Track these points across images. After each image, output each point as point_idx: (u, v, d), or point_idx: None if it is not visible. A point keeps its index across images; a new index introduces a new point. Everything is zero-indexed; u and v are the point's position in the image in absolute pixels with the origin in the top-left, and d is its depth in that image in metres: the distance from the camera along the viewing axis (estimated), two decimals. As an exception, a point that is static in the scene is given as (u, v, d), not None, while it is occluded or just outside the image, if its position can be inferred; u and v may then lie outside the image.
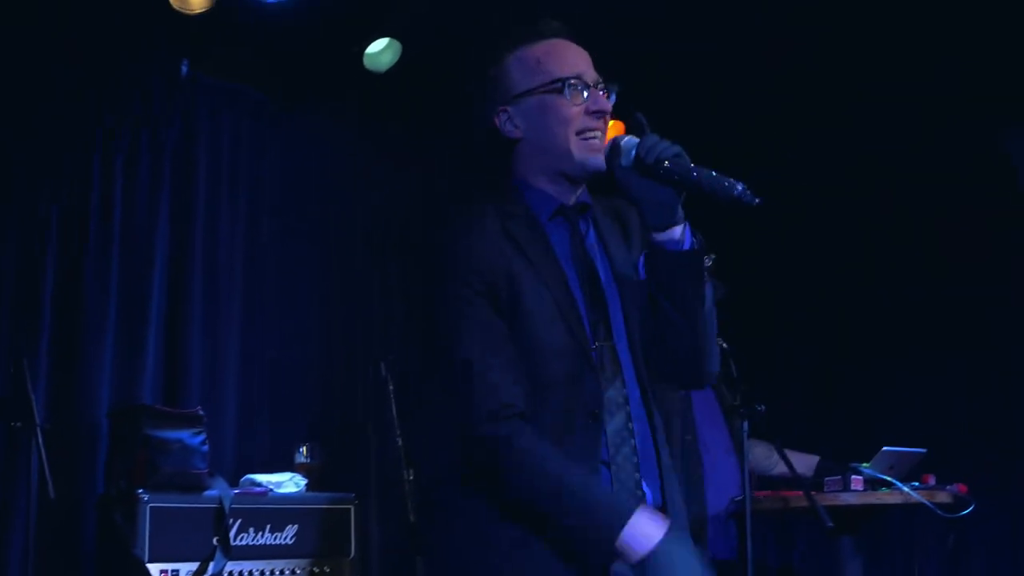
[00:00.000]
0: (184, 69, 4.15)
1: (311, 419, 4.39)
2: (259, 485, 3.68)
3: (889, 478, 3.67)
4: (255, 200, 4.40)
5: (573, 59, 2.02)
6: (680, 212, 1.91)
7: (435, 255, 1.96)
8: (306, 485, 3.79)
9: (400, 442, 3.95)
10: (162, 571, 3.27)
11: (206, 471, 3.49)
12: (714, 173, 1.83)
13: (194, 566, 3.34)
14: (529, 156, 2.02)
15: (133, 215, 3.99)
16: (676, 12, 4.34)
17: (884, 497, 3.65)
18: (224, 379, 4.15)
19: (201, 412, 3.58)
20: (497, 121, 2.02)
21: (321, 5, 4.18)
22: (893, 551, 4.96)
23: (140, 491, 3.29)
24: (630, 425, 1.94)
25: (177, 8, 3.90)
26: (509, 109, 2.01)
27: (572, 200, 2.02)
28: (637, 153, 1.87)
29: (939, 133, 5.09)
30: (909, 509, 3.75)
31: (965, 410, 4.94)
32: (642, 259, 1.99)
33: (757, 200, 1.80)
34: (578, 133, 1.97)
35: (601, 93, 2.00)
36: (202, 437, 3.51)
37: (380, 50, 4.48)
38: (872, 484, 3.68)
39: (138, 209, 4.00)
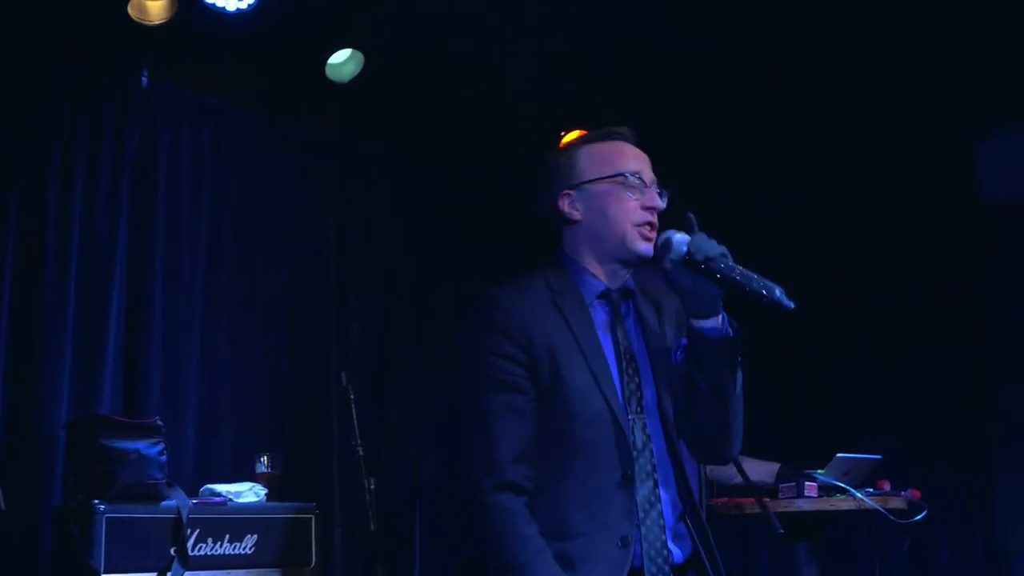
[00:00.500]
0: (144, 79, 4.15)
1: (271, 429, 4.40)
2: (218, 495, 3.67)
3: (844, 484, 3.71)
4: (216, 211, 4.39)
5: (636, 160, 2.26)
6: (720, 304, 2.11)
7: (486, 311, 2.18)
8: (266, 495, 3.79)
9: (361, 452, 3.96)
10: (119, 582, 3.26)
11: (164, 481, 3.48)
12: (755, 276, 2.04)
13: (151, 576, 3.33)
14: (585, 239, 2.25)
15: (92, 225, 3.97)
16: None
17: (838, 503, 3.69)
18: (184, 389, 4.14)
19: (159, 422, 3.57)
20: (560, 203, 2.25)
21: (283, 15, 4.17)
22: (849, 557, 5.00)
23: (96, 502, 3.28)
24: (657, 491, 2.12)
25: (136, 19, 3.91)
26: (573, 193, 2.24)
27: (617, 284, 2.24)
28: (688, 250, 2.07)
29: (900, 139, 5.15)
30: (864, 515, 3.80)
31: (919, 417, 5.00)
32: (679, 343, 2.20)
33: (792, 304, 2.01)
34: (634, 224, 2.20)
35: (656, 192, 2.24)
36: (160, 447, 3.50)
37: (342, 61, 4.50)
38: (827, 491, 3.72)
39: (98, 219, 3.99)
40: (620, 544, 2.06)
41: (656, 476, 2.12)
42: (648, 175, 2.25)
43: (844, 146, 5.12)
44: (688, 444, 2.19)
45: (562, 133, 5.22)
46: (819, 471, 3.76)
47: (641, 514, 2.09)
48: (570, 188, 2.24)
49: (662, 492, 2.13)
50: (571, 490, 2.08)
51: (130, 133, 4.14)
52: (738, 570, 5.35)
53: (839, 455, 3.78)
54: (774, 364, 5.34)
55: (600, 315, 2.22)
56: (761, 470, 3.85)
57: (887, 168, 5.16)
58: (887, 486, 3.84)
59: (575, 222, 2.24)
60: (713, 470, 3.90)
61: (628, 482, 2.09)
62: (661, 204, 2.23)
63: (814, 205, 5.29)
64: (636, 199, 2.21)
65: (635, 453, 2.11)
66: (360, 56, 4.50)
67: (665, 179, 2.29)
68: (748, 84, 4.78)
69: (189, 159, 4.31)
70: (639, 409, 2.15)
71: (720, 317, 2.11)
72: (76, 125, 3.98)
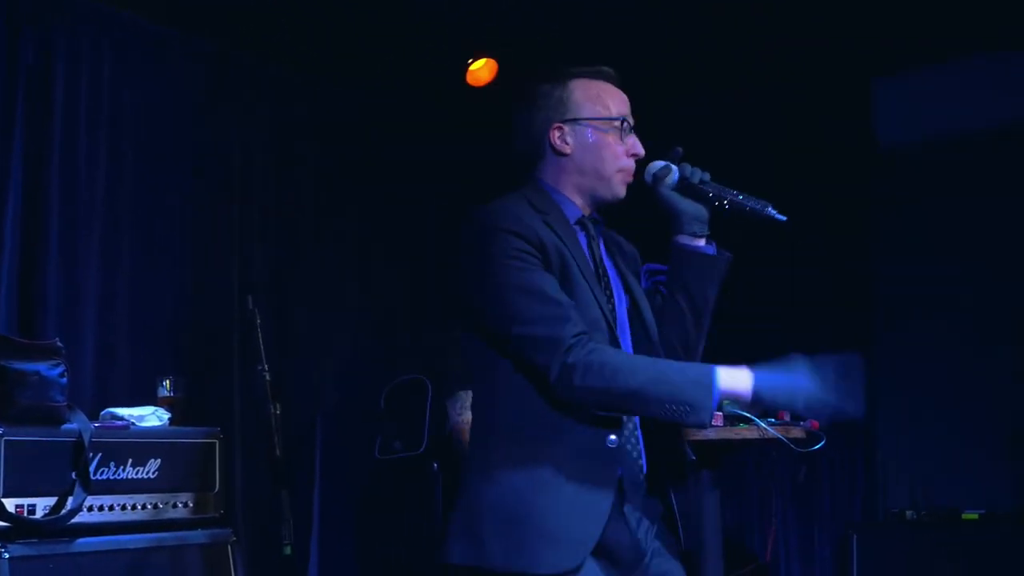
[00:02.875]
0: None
1: (173, 353, 4.30)
2: (120, 419, 3.59)
3: (747, 415, 3.81)
4: (116, 127, 4.23)
5: (624, 104, 2.36)
6: (707, 223, 2.33)
7: (487, 221, 2.17)
8: (169, 419, 3.71)
9: (267, 376, 3.90)
10: (17, 506, 3.16)
11: (65, 404, 3.37)
12: (745, 195, 2.30)
13: (52, 501, 3.24)
14: (570, 171, 2.33)
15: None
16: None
17: (743, 432, 3.79)
18: (83, 311, 4.01)
19: (59, 344, 3.45)
20: (551, 134, 2.31)
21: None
22: (748, 484, 5.18)
23: (-6, 424, 3.16)
24: None
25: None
26: (565, 128, 2.31)
27: (588, 213, 2.35)
28: (682, 175, 2.32)
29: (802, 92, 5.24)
30: (764, 444, 3.92)
31: (814, 351, 5.15)
32: (645, 267, 2.44)
33: (784, 218, 2.27)
34: (619, 170, 2.32)
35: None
36: (61, 369, 3.38)
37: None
38: (731, 420, 3.82)
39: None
40: (608, 444, 2.13)
41: None
42: (631, 120, 2.36)
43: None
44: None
45: (469, 61, 5.19)
46: (725, 402, 3.85)
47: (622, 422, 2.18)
48: (563, 122, 2.31)
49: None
50: None
51: (23, 44, 3.93)
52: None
53: (744, 386, 3.87)
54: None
55: (581, 236, 2.31)
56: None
57: (793, 122, 5.26)
58: (787, 416, 3.95)
59: (563, 155, 2.32)
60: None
61: None
62: (643, 152, 2.35)
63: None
64: (623, 145, 2.33)
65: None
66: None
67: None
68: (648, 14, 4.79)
69: (88, 73, 4.13)
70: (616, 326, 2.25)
71: (706, 239, 2.35)
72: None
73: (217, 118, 4.61)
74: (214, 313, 4.47)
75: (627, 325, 2.31)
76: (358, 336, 5.01)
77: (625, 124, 2.34)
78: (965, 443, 4.89)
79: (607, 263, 2.37)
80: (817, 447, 3.91)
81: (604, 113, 2.33)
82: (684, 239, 2.35)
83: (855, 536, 4.68)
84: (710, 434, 3.73)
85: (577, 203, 2.34)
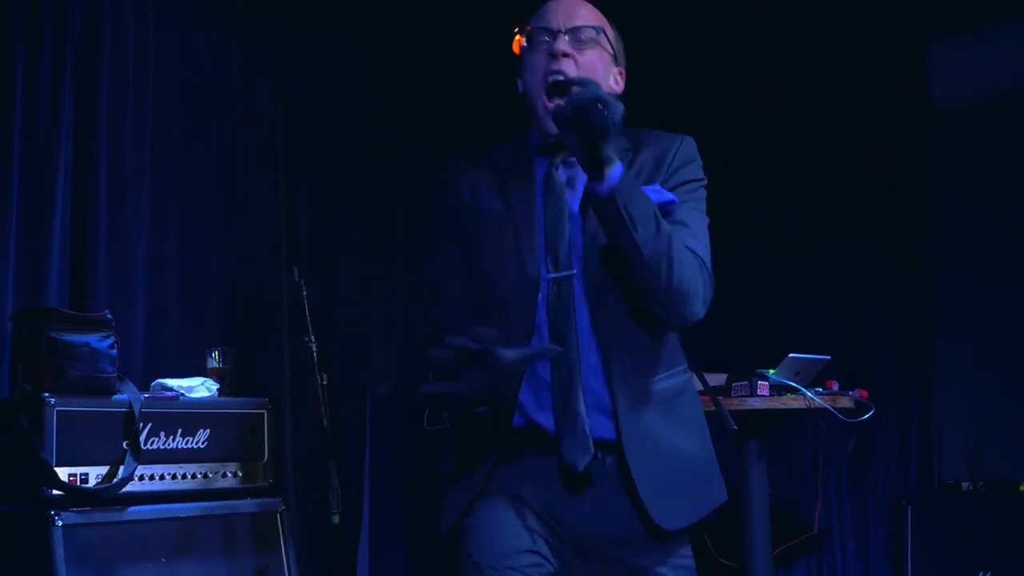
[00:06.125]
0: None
1: (222, 324, 4.35)
2: (170, 390, 3.64)
3: (794, 384, 3.77)
4: (162, 100, 4.25)
5: (551, 7, 2.13)
6: (604, 155, 1.91)
7: (433, 198, 2.25)
8: (218, 390, 3.76)
9: (314, 348, 3.93)
10: (71, 475, 3.22)
11: (115, 375, 3.43)
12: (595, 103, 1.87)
13: (104, 470, 3.30)
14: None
15: (35, 115, 3.82)
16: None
17: (789, 402, 3.76)
18: (132, 283, 4.05)
19: (109, 316, 3.50)
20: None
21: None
22: (797, 454, 5.13)
23: (46, 395, 3.22)
24: (574, 354, 2.04)
25: None
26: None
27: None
28: (559, 105, 1.95)
29: (853, 53, 5.13)
30: (813, 414, 3.88)
31: (867, 319, 5.09)
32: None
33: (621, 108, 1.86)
34: (541, 88, 2.09)
35: (567, 39, 2.08)
36: (111, 341, 3.43)
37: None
38: (778, 390, 3.78)
39: (39, 108, 3.84)
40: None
41: (577, 338, 2.05)
42: (560, 18, 2.10)
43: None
44: (644, 310, 2.08)
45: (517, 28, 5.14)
46: (770, 371, 3.82)
47: (549, 376, 2.04)
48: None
49: (582, 356, 2.05)
50: None
51: (71, 18, 3.96)
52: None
53: (791, 355, 3.84)
54: (725, 266, 5.39)
55: (540, 170, 2.16)
56: (710, 380, 3.89)
57: (839, 77, 5.16)
58: (835, 386, 3.91)
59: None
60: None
61: (526, 340, 2.04)
62: (558, 48, 2.07)
63: (768, 111, 5.28)
64: (542, 52, 2.09)
65: (555, 313, 2.05)
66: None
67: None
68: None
69: (134, 45, 4.15)
70: (567, 266, 2.07)
71: (613, 171, 1.94)
72: (12, 10, 3.79)
73: (261, 88, 4.61)
74: (262, 284, 4.50)
75: (582, 263, 2.08)
76: (407, 306, 5.01)
77: (534, 31, 2.10)
78: (1022, 412, 4.79)
79: (574, 198, 2.12)
80: (866, 417, 3.88)
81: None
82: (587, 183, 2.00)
83: (910, 508, 4.62)
84: (756, 404, 3.71)
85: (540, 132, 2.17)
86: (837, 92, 5.16)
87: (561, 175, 2.12)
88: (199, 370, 3.84)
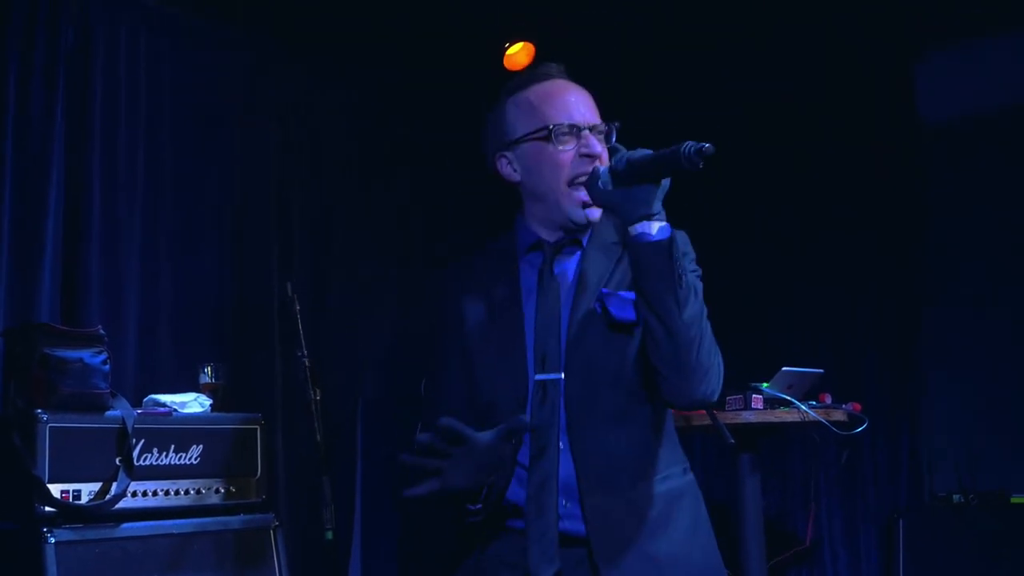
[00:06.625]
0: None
1: (214, 339, 4.33)
2: (163, 405, 3.62)
3: (788, 397, 3.78)
4: (155, 115, 4.25)
5: (564, 102, 2.06)
6: (657, 205, 1.90)
7: (428, 303, 2.23)
8: (211, 405, 3.74)
9: (307, 363, 3.92)
10: (63, 492, 3.20)
11: (108, 391, 3.41)
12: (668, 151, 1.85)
13: (96, 486, 3.28)
14: (528, 199, 2.12)
15: (27, 127, 3.81)
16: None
17: (783, 415, 3.77)
18: (125, 298, 4.04)
19: (102, 331, 3.49)
20: (499, 165, 2.13)
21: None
22: (789, 467, 5.13)
23: (39, 411, 3.20)
24: (555, 455, 2.02)
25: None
26: (509, 154, 2.10)
27: (555, 238, 2.11)
28: (610, 167, 1.92)
29: (839, 65, 5.16)
30: (807, 427, 3.88)
31: (861, 332, 5.10)
32: (600, 292, 2.04)
33: (711, 146, 1.81)
34: (570, 183, 2.03)
35: (595, 136, 2.04)
36: (103, 356, 3.42)
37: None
38: (771, 403, 3.79)
39: (32, 120, 3.83)
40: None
41: (559, 440, 2.02)
42: (583, 115, 2.05)
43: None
44: (652, 390, 2.04)
45: (507, 44, 5.16)
46: (764, 384, 3.83)
47: (528, 473, 2.02)
48: (505, 148, 2.11)
49: (562, 457, 2.02)
50: None
51: (64, 29, 3.96)
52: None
53: (784, 368, 3.85)
54: (716, 280, 5.39)
55: (529, 270, 2.13)
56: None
57: (823, 88, 5.19)
58: (828, 399, 3.92)
59: (517, 184, 2.13)
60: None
61: (509, 438, 1.99)
62: (597, 148, 2.04)
63: (756, 121, 5.30)
64: (570, 148, 2.03)
65: (539, 414, 2.02)
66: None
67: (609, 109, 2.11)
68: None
69: (126, 56, 4.14)
70: (555, 367, 2.03)
71: (660, 224, 1.91)
72: (4, 21, 3.78)
73: (254, 103, 4.61)
74: (254, 299, 4.49)
75: (567, 366, 2.04)
76: (399, 321, 5.01)
77: (559, 128, 2.03)
78: (1013, 424, 4.81)
79: (566, 296, 2.09)
80: (859, 430, 3.89)
81: (535, 125, 2.05)
82: (630, 228, 1.93)
83: (901, 520, 4.63)
84: (750, 417, 3.71)
85: (540, 231, 2.13)
86: (827, 113, 5.19)
87: (571, 268, 2.11)
88: (192, 385, 3.82)
